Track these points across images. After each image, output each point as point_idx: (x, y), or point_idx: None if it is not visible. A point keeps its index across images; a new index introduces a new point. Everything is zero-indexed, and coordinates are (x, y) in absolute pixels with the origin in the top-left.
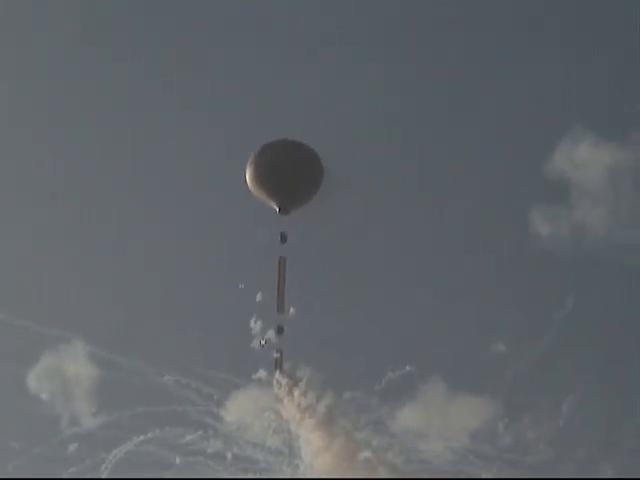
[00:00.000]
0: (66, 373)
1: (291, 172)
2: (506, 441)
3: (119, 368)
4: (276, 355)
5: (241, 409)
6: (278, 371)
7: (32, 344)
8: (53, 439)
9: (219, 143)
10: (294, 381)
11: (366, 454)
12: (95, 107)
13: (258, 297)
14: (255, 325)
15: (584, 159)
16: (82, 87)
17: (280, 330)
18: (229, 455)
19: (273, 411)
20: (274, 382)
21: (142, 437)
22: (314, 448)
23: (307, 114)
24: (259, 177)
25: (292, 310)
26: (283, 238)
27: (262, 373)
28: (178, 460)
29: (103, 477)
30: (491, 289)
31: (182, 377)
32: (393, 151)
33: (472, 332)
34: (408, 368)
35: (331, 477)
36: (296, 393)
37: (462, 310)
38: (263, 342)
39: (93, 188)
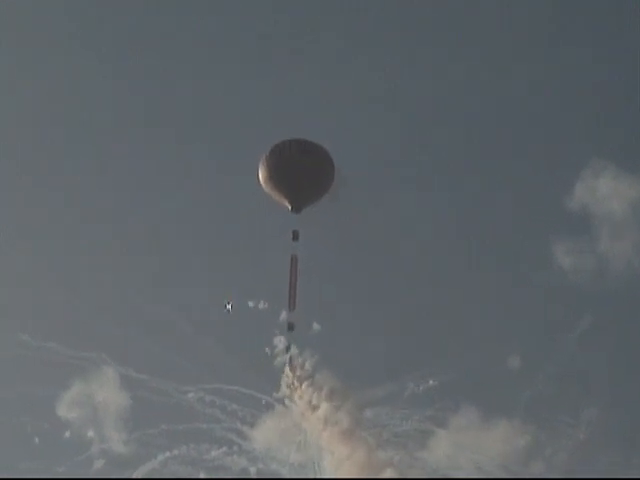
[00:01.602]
0: (91, 393)
1: (303, 171)
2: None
3: (143, 387)
4: (286, 351)
5: (265, 426)
6: (288, 367)
7: (57, 365)
8: (78, 457)
9: (232, 143)
10: (303, 377)
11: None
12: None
13: (282, 315)
14: (279, 342)
15: (606, 191)
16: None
17: (291, 327)
18: (253, 470)
19: (296, 427)
20: (283, 377)
21: (167, 454)
22: (334, 457)
23: (319, 114)
24: (272, 176)
25: (317, 326)
26: (295, 236)
27: (284, 390)
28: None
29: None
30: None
31: (206, 394)
32: (409, 158)
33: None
34: (431, 382)
35: (332, 477)
36: (305, 389)
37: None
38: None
39: (108, 198)
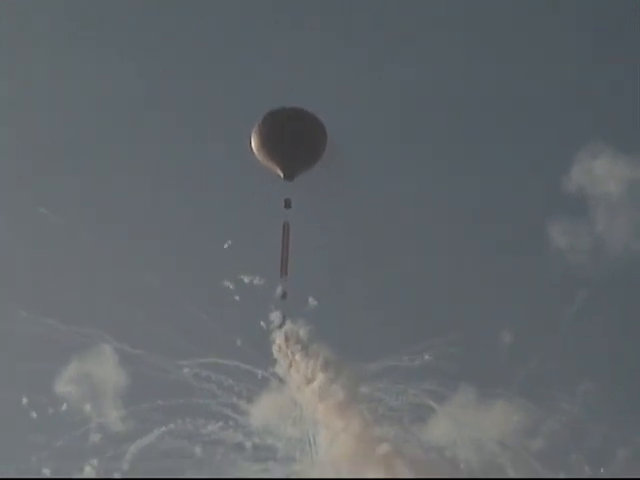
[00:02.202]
0: (88, 369)
1: (295, 138)
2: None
3: (139, 362)
4: (280, 320)
5: (261, 400)
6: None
7: (54, 341)
8: (75, 432)
9: (223, 110)
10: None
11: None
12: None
13: (278, 291)
14: (275, 317)
15: (603, 172)
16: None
17: (283, 295)
18: (249, 444)
19: (292, 401)
20: (275, 346)
21: (163, 429)
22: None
23: (310, 82)
24: (264, 144)
25: (312, 301)
26: (287, 204)
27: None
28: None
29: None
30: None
31: (202, 369)
32: (402, 127)
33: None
34: (426, 357)
35: (334, 478)
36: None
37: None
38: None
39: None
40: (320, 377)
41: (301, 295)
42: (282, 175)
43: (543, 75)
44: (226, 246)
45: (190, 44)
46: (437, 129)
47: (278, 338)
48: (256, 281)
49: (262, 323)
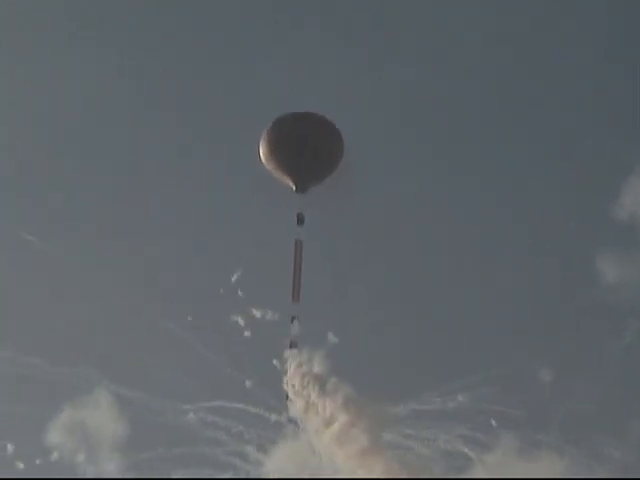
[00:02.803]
0: (80, 414)
1: (308, 147)
2: None
3: (138, 406)
4: (291, 347)
5: (275, 448)
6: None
7: (42, 384)
8: None
9: (232, 115)
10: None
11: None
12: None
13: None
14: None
15: None
16: None
17: (293, 320)
18: None
19: (309, 448)
20: (285, 378)
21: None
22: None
23: (323, 87)
24: (274, 153)
25: (332, 337)
26: (300, 219)
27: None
28: None
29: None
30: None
31: (208, 414)
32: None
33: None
34: (460, 398)
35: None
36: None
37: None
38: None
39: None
40: (340, 419)
41: (316, 325)
42: (294, 187)
43: (594, 92)
44: (234, 278)
45: (192, 46)
46: (478, 150)
47: (292, 377)
48: (268, 316)
49: (275, 362)
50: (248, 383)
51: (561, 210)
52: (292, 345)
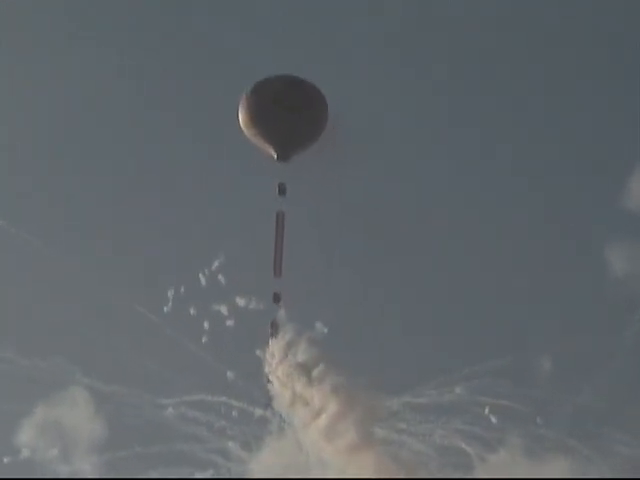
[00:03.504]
0: (52, 409)
1: (290, 112)
2: None
3: (113, 400)
4: (271, 325)
5: (259, 444)
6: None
7: (11, 377)
8: None
9: (209, 79)
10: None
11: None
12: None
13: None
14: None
15: None
16: None
17: (277, 298)
18: None
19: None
20: (266, 358)
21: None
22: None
23: (307, 49)
24: (253, 120)
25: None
26: (282, 190)
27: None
28: None
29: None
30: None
31: (188, 409)
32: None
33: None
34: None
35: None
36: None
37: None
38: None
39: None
40: (328, 411)
41: (300, 305)
42: (275, 156)
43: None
44: (216, 265)
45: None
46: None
47: (275, 365)
48: (252, 305)
49: (258, 353)
50: (230, 375)
51: (568, 200)
52: (274, 326)
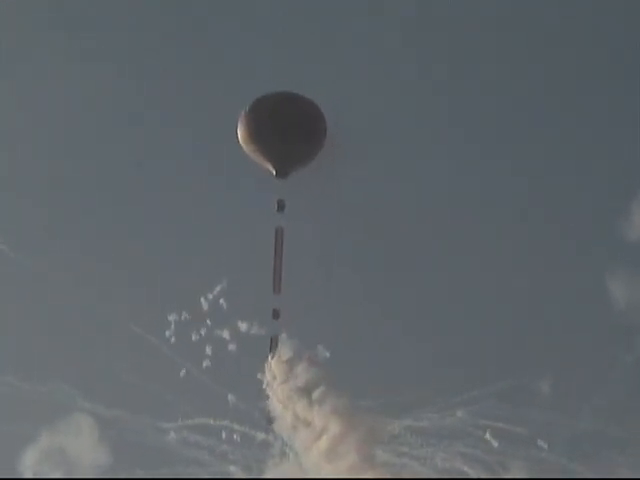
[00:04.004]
0: (52, 433)
1: (289, 129)
2: None
3: (114, 425)
4: (271, 341)
5: (261, 468)
6: (271, 359)
7: (11, 403)
8: None
9: (209, 95)
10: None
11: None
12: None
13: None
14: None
15: None
16: None
17: (276, 314)
18: None
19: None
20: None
21: None
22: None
23: (306, 66)
24: (252, 136)
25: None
26: (280, 206)
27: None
28: None
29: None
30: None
31: (190, 433)
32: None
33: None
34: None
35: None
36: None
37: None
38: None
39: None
40: (329, 433)
41: (299, 322)
42: (274, 172)
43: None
44: (218, 290)
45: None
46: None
47: (277, 390)
48: (254, 330)
49: (259, 376)
50: (232, 399)
51: (571, 226)
52: (273, 341)
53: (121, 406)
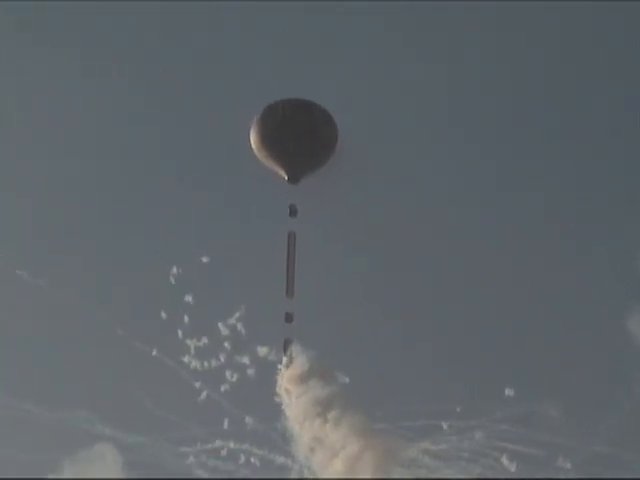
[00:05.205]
0: (74, 459)
1: (300, 135)
2: None
3: (131, 449)
4: (285, 345)
5: None
6: (285, 362)
7: (34, 429)
8: None
9: (221, 102)
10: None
11: None
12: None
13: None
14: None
15: None
16: None
17: (289, 318)
18: None
19: None
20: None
21: None
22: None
23: (318, 73)
24: (265, 141)
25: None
26: (293, 211)
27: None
28: None
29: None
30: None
31: (209, 457)
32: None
33: None
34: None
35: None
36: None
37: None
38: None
39: None
40: (346, 452)
41: (312, 327)
42: (286, 178)
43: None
44: (235, 319)
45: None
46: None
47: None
48: (271, 356)
49: (276, 399)
50: (250, 423)
51: (591, 266)
52: (287, 343)
53: (141, 431)
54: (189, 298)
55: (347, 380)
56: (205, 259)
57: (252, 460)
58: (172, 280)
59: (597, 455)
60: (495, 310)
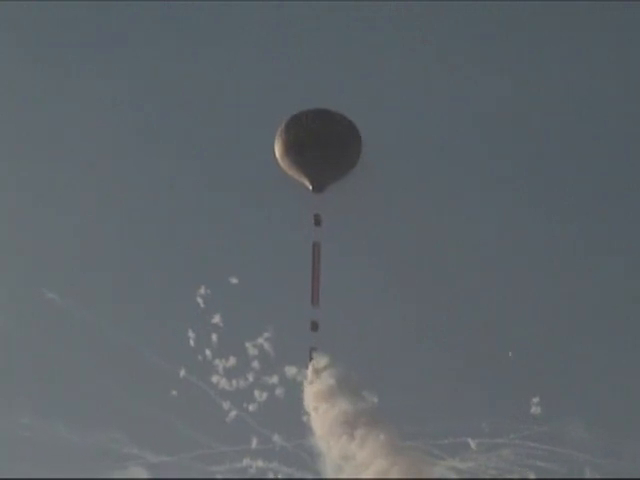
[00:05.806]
0: None
1: (324, 145)
2: None
3: (160, 470)
4: (310, 353)
5: None
6: (310, 379)
7: (63, 450)
8: None
9: (246, 112)
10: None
11: None
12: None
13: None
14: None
15: None
16: None
17: (315, 326)
18: None
19: None
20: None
21: None
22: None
23: (341, 83)
24: (288, 152)
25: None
26: (317, 221)
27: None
28: None
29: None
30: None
31: (237, 476)
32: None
33: None
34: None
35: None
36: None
37: None
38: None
39: None
40: (374, 468)
41: (336, 335)
42: (311, 187)
43: None
44: (263, 339)
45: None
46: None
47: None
48: (299, 377)
49: (304, 418)
50: (279, 441)
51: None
52: (312, 351)
53: (170, 451)
54: (217, 318)
55: (375, 399)
56: (234, 280)
57: (280, 478)
58: (200, 301)
59: (623, 471)
60: (526, 329)
